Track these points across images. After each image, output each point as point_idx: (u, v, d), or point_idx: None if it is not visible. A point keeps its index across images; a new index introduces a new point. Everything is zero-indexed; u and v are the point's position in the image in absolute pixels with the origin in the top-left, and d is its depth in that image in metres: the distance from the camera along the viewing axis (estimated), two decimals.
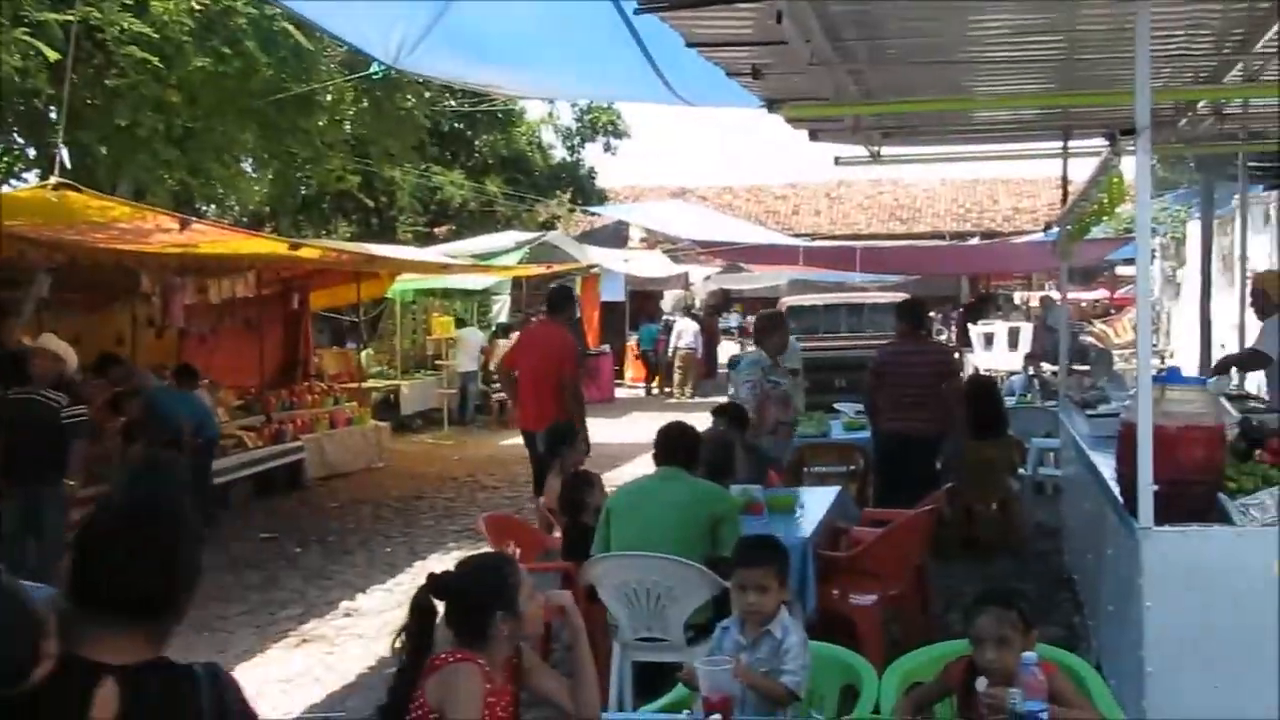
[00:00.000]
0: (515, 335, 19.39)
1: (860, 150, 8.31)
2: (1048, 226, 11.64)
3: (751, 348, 21.15)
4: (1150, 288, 4.43)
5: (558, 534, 7.04)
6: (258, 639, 7.20)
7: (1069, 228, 7.55)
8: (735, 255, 21.56)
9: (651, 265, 24.87)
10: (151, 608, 2.09)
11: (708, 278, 29.77)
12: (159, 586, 2.09)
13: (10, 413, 8.11)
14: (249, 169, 15.13)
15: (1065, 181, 9.38)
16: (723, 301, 32.36)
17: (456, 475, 13.75)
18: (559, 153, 29.68)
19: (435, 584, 3.25)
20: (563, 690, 3.33)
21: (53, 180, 6.17)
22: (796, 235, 28.61)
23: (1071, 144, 8.42)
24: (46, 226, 7.68)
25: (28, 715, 1.96)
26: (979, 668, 3.30)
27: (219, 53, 10.73)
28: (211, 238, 8.11)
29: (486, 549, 9.67)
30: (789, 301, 19.29)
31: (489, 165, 27.41)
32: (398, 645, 3.19)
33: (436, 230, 27.55)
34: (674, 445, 5.63)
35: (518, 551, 6.39)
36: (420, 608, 3.22)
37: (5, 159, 13.22)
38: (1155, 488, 3.96)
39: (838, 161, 8.50)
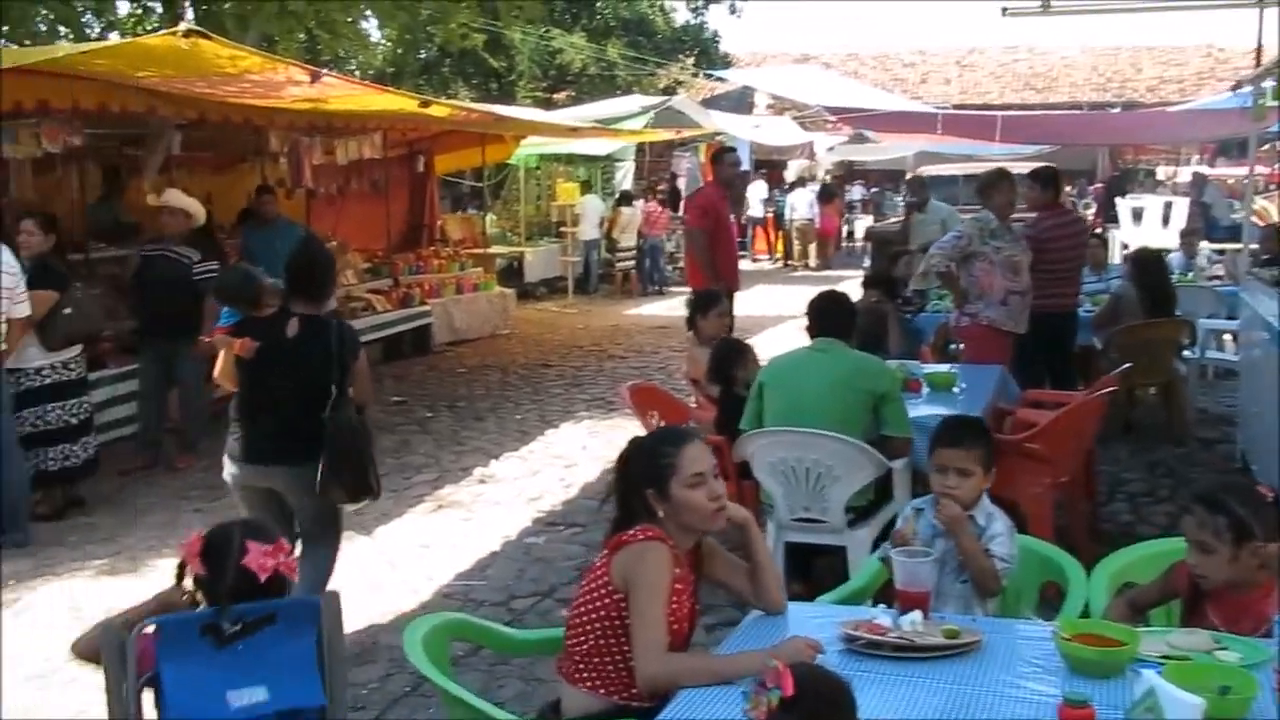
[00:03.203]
0: (642, 203, 19.06)
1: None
2: (1237, 85, 10.67)
3: (868, 220, 20.47)
4: None
5: (694, 404, 6.79)
6: (394, 503, 7.12)
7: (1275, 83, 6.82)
8: (869, 123, 20.63)
9: (782, 133, 24.02)
10: (315, 293, 4.76)
11: (830, 149, 28.84)
12: (320, 286, 4.78)
13: (143, 271, 8.12)
14: (373, 27, 14.76)
15: (1261, 36, 8.54)
16: (849, 173, 31.43)
17: (582, 344, 13.57)
18: (682, 15, 28.78)
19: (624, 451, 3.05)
20: (744, 579, 3.05)
21: (183, 26, 5.90)
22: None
23: None
24: (179, 78, 7.47)
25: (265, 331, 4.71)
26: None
27: None
28: (341, 92, 7.82)
29: (620, 419, 9.51)
30: (927, 171, 18.52)
31: (610, 28, 26.74)
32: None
33: (556, 96, 27.08)
34: (830, 315, 5.25)
35: (661, 423, 6.14)
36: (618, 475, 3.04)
37: (133, 17, 13.10)
38: None
39: (1005, 13, 7.82)
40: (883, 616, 2.88)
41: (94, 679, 4.77)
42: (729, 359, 5.85)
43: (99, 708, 4.55)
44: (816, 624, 2.88)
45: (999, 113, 19.63)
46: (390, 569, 6.00)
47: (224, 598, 2.61)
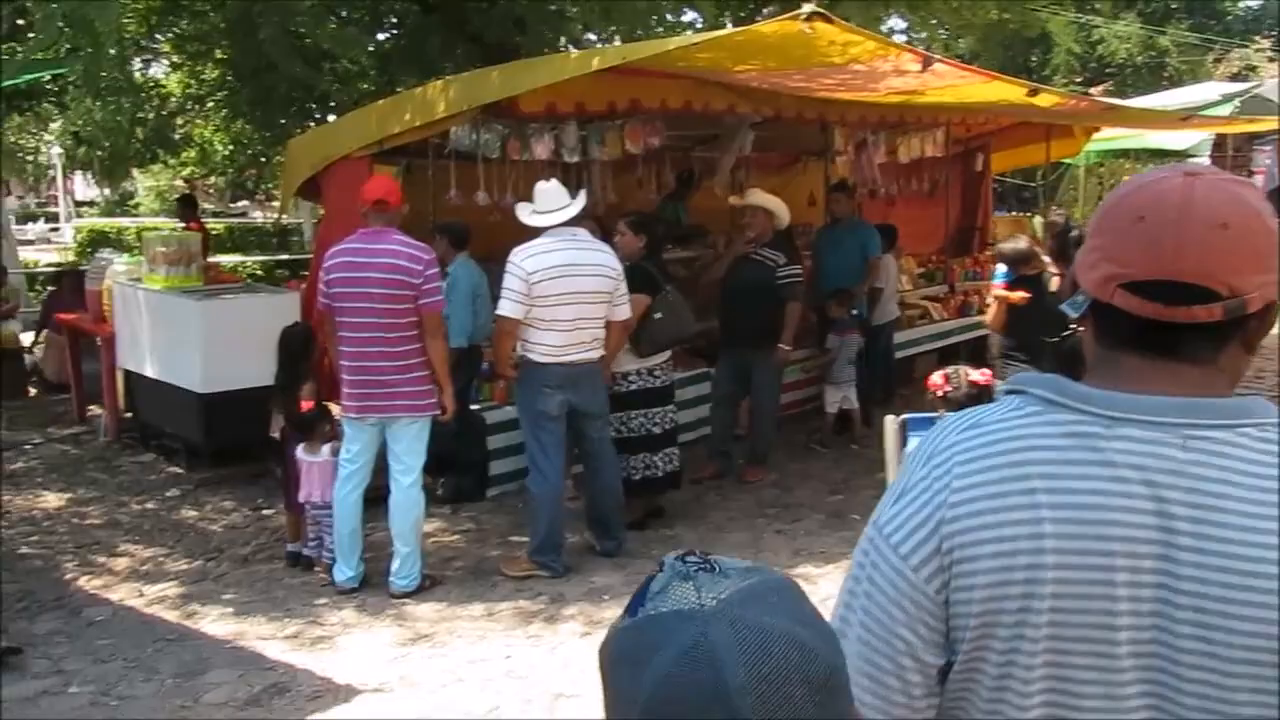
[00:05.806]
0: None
1: None
2: None
3: None
4: None
5: None
6: None
7: None
8: None
9: None
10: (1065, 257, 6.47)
11: None
12: (1065, 252, 6.52)
13: (729, 274, 7.85)
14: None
15: None
16: None
17: None
18: None
19: None
20: None
21: (807, 9, 5.35)
22: None
23: None
24: (777, 70, 7.01)
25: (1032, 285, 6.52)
26: None
27: None
28: (950, 80, 7.01)
29: None
30: None
31: (1171, 10, 24.09)
32: None
33: (1093, 90, 24.87)
34: None
35: None
36: None
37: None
38: None
39: None
40: None
41: None
42: None
43: None
44: None
45: None
46: None
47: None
